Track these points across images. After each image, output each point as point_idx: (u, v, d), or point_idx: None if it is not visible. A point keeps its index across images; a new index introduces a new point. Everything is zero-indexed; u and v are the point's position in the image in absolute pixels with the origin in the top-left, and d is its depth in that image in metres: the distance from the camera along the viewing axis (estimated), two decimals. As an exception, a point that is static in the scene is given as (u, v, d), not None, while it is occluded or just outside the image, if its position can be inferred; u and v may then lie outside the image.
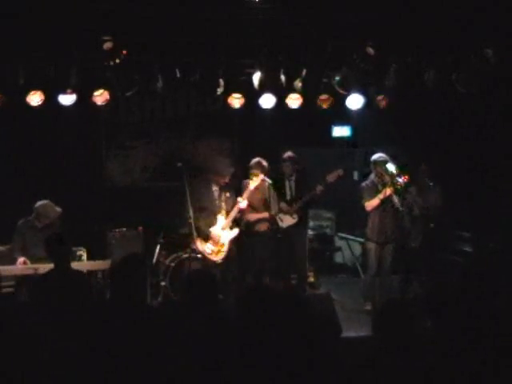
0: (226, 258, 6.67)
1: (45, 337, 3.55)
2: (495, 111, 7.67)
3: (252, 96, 7.03)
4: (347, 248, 9.12)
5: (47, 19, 5.97)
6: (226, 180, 6.66)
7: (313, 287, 7.76)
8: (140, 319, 3.49)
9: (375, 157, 6.84)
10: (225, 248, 6.65)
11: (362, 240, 7.74)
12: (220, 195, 6.73)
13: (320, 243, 9.16)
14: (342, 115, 8.23)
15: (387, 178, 6.63)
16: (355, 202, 7.11)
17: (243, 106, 7.14)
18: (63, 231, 5.62)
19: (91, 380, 3.22)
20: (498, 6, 6.18)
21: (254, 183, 6.57)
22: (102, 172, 8.64)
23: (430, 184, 7.37)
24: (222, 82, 6.70)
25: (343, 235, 9.30)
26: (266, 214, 6.86)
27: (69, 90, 6.55)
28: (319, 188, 6.89)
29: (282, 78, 6.78)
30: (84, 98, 6.79)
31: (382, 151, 6.87)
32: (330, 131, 9.64)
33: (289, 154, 7.14)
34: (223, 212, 6.68)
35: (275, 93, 6.90)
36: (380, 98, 7.20)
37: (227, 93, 6.96)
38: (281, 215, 7.03)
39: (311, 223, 8.64)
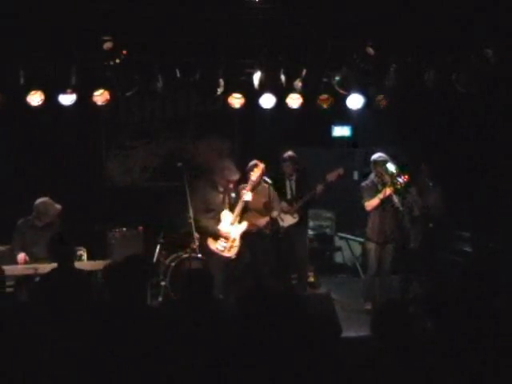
0: (239, 254, 6.66)
1: (45, 337, 3.55)
2: (495, 111, 7.67)
3: (252, 96, 7.04)
4: (347, 248, 9.12)
5: (47, 19, 5.98)
6: (231, 185, 6.66)
7: (313, 287, 7.76)
8: (140, 319, 3.49)
9: (375, 157, 6.84)
10: (236, 243, 6.64)
11: (361, 240, 7.74)
12: (225, 197, 6.73)
13: (320, 243, 9.16)
14: (342, 115, 8.24)
15: (387, 178, 6.63)
16: (355, 201, 7.11)
17: (243, 106, 7.15)
18: (64, 231, 5.61)
19: (91, 380, 3.22)
20: (498, 5, 6.19)
21: (255, 174, 6.60)
22: (102, 172, 8.64)
23: (429, 184, 7.37)
24: (222, 81, 6.70)
25: (343, 235, 9.30)
26: (267, 218, 6.87)
27: (69, 90, 6.55)
28: (319, 187, 6.90)
29: (282, 77, 6.78)
30: (84, 98, 6.79)
31: (382, 151, 6.87)
32: (329, 131, 9.64)
33: (289, 153, 7.14)
34: (227, 207, 6.68)
35: (275, 93, 6.91)
36: (380, 98, 7.21)
37: (227, 93, 6.97)
38: (281, 215, 7.04)
39: (311, 223, 8.65)
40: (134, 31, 6.24)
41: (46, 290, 4.58)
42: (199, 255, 6.71)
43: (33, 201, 6.22)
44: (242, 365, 3.15)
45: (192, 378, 3.21)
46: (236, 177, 6.64)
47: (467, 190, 7.87)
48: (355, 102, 7.09)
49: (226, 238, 6.60)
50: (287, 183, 7.17)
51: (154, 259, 7.21)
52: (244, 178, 6.83)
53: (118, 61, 6.28)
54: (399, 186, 6.51)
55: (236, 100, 7.07)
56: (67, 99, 6.67)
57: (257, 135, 8.61)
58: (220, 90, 6.79)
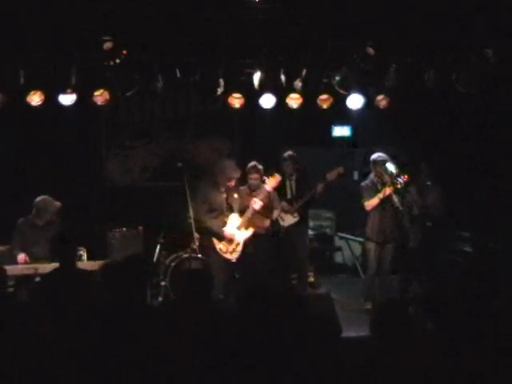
0: (241, 257, 6.65)
1: (45, 337, 3.55)
2: (495, 111, 7.67)
3: (252, 96, 7.04)
4: (347, 248, 9.13)
5: (47, 19, 5.98)
6: (233, 183, 6.65)
7: (313, 287, 7.76)
8: (140, 319, 3.49)
9: (374, 156, 6.84)
10: (239, 248, 6.64)
11: (361, 240, 7.74)
12: (228, 197, 6.73)
13: (320, 243, 9.17)
14: (342, 115, 8.24)
15: (386, 178, 6.64)
16: (355, 201, 7.12)
17: (243, 106, 7.15)
18: (66, 230, 5.62)
19: (91, 380, 3.22)
20: (498, 5, 6.19)
21: (270, 183, 6.59)
22: (102, 172, 8.63)
23: (427, 184, 7.36)
24: (222, 81, 6.70)
25: (343, 235, 9.30)
26: (268, 221, 6.90)
27: (69, 90, 6.55)
28: (320, 186, 6.91)
29: (282, 77, 6.78)
30: (84, 98, 6.80)
31: (382, 151, 6.87)
32: (330, 131, 9.63)
33: (289, 153, 7.15)
34: (236, 211, 6.67)
35: (275, 93, 6.91)
36: (380, 97, 7.21)
37: (227, 93, 6.97)
38: (282, 214, 7.04)
39: (311, 223, 8.64)
40: (134, 31, 6.24)
41: (48, 289, 4.57)
42: (199, 255, 6.72)
43: (33, 200, 6.22)
44: (242, 365, 3.15)
45: (192, 377, 3.21)
46: (237, 174, 6.63)
47: (467, 189, 7.87)
48: (355, 101, 7.09)
49: (230, 241, 6.61)
50: (287, 183, 7.17)
51: (154, 259, 7.22)
52: (244, 178, 6.84)
53: (118, 61, 6.28)
54: (399, 186, 6.51)
55: (236, 100, 7.07)
56: (67, 99, 6.67)
57: (257, 135, 8.60)
58: (220, 90, 6.79)
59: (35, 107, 6.60)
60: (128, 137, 8.72)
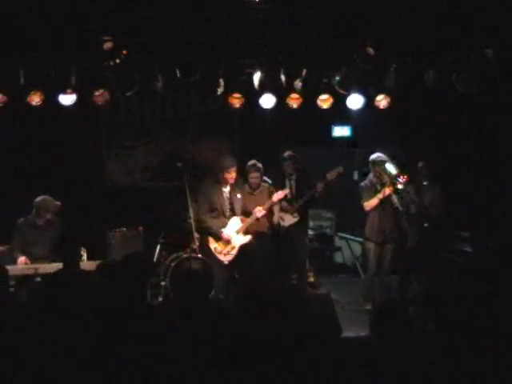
0: (235, 260, 6.66)
1: (45, 337, 3.55)
2: (495, 111, 7.67)
3: (252, 96, 7.04)
4: (347, 248, 9.13)
5: (47, 19, 5.98)
6: (233, 176, 6.65)
7: (313, 287, 7.76)
8: (140, 318, 3.49)
9: (373, 157, 6.84)
10: (234, 251, 6.66)
11: (361, 240, 7.74)
12: (231, 197, 6.74)
13: (320, 243, 9.17)
14: (342, 115, 8.23)
15: (386, 178, 6.64)
16: (355, 201, 7.11)
17: (243, 106, 7.15)
18: (68, 231, 5.62)
19: (92, 380, 3.22)
20: (498, 5, 6.19)
21: (277, 196, 6.70)
22: (102, 172, 8.63)
23: (424, 183, 7.36)
24: (222, 81, 6.71)
25: (343, 235, 9.30)
26: (268, 224, 6.94)
27: (69, 90, 6.56)
28: (320, 185, 6.91)
29: (282, 77, 6.78)
30: (84, 98, 6.80)
31: (382, 151, 6.87)
32: (330, 131, 9.64)
33: (289, 152, 7.15)
34: (239, 214, 6.73)
35: (275, 93, 6.91)
36: (380, 97, 7.21)
37: (227, 93, 6.97)
38: (282, 214, 7.04)
39: (311, 223, 8.65)
40: (134, 31, 6.24)
41: (50, 290, 4.57)
42: (199, 255, 6.72)
43: (33, 200, 6.22)
44: (242, 365, 3.15)
45: (192, 377, 3.21)
46: (232, 164, 6.63)
47: (467, 189, 7.86)
48: (355, 101, 7.09)
49: (227, 242, 6.62)
50: (287, 183, 7.17)
51: (154, 259, 7.22)
52: (244, 179, 6.85)
53: (118, 61, 6.29)
54: (399, 187, 6.51)
55: (236, 100, 7.07)
56: (67, 99, 6.67)
57: (257, 135, 8.60)
58: (220, 90, 6.79)
59: (35, 107, 6.60)
60: (128, 137, 8.72)
